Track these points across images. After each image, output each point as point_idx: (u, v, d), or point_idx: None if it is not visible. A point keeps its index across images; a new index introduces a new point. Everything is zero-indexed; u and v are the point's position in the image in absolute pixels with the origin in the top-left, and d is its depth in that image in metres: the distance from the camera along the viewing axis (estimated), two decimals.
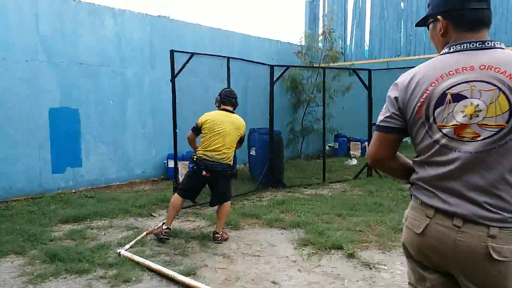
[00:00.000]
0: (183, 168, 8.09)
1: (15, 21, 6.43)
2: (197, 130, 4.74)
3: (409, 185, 1.78)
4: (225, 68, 6.56)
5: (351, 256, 4.20)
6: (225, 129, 4.61)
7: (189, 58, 5.84)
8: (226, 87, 6.52)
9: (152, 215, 5.76)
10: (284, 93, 10.97)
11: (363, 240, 4.67)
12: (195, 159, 4.66)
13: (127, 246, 4.37)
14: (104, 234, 4.90)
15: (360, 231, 5.04)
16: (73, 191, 7.16)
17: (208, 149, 4.60)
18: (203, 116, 4.72)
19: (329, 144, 12.57)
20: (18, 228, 4.90)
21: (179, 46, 8.58)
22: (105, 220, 5.49)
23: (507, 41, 8.64)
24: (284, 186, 7.67)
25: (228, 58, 6.43)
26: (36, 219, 5.32)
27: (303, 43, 10.91)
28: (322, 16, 11.58)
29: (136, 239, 4.61)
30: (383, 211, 5.91)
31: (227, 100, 4.78)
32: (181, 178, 7.99)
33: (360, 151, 12.04)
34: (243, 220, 5.50)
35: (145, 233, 4.81)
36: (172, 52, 5.62)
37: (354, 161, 10.79)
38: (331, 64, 10.35)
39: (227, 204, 4.80)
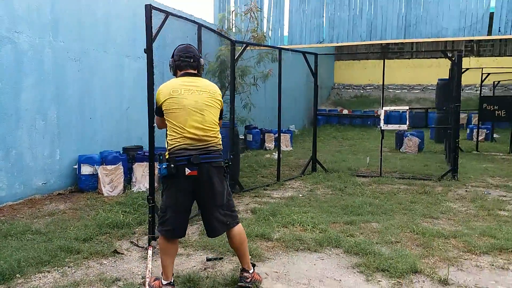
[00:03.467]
0: (104, 175, 6.05)
1: None
2: (160, 112, 3.06)
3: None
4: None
5: (445, 283, 3.35)
6: (199, 99, 3.00)
7: (164, 20, 4.04)
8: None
9: (117, 253, 3.86)
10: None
11: (421, 255, 3.89)
12: (167, 157, 2.97)
13: None
14: None
15: (398, 242, 4.25)
16: None
17: (185, 134, 2.92)
18: (159, 90, 3.07)
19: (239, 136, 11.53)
20: None
21: (88, 8, 6.41)
22: (50, 271, 3.39)
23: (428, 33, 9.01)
24: (242, 188, 6.39)
25: (200, 25, 4.79)
26: None
27: (220, 22, 9.55)
28: None
29: None
30: (385, 213, 5.26)
31: (184, 63, 3.12)
32: (103, 189, 6.03)
33: (273, 143, 11.37)
34: (254, 243, 4.11)
35: None
36: (149, 7, 3.75)
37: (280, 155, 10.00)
38: (283, 46, 9.33)
39: (240, 227, 3.16)
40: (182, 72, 3.12)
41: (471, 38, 8.88)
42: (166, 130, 3.05)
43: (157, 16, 4.17)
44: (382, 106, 7.59)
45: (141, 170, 6.21)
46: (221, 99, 3.19)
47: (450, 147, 7.85)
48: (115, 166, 6.08)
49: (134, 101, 7.40)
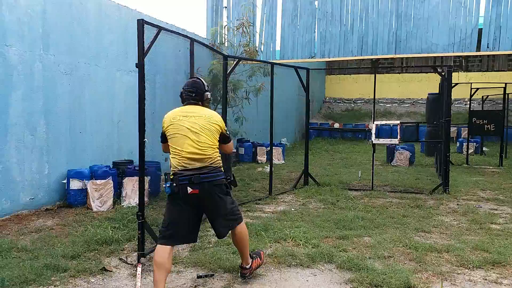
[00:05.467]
0: (94, 190, 5.96)
1: None
2: (164, 138, 3.42)
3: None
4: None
5: None
6: (195, 123, 3.29)
7: (157, 34, 4.03)
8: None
9: (106, 270, 3.77)
10: None
11: (414, 270, 3.85)
12: (171, 177, 3.24)
13: None
14: None
15: (391, 256, 4.22)
16: None
17: (183, 154, 3.22)
18: (164, 118, 3.43)
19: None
20: None
21: (79, 22, 6.40)
22: None
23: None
24: None
25: (192, 40, 4.79)
26: None
27: (213, 36, 9.60)
28: (226, 7, 10.43)
29: None
30: (378, 227, 5.23)
31: (186, 96, 3.46)
32: (92, 204, 5.94)
33: (266, 157, 11.33)
34: None
35: None
36: (141, 22, 3.75)
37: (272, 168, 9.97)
38: (275, 61, 9.38)
39: (241, 227, 3.46)
40: (185, 103, 3.45)
41: (461, 54, 9.00)
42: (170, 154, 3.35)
43: (149, 30, 4.17)
44: (373, 121, 7.62)
45: (131, 185, 6.14)
46: (220, 122, 3.40)
47: (441, 160, 7.89)
48: (105, 181, 6.00)
49: (125, 115, 7.35)
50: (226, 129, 3.49)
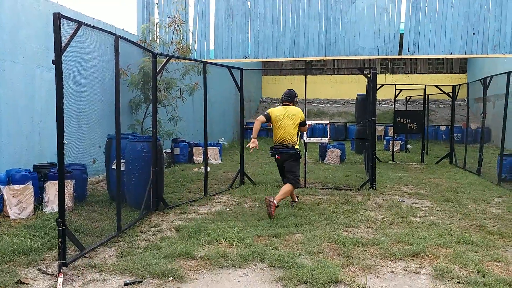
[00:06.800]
0: (11, 196, 5.52)
1: None
2: (267, 117, 6.05)
3: None
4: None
5: None
6: (284, 122, 6.00)
7: (76, 30, 3.77)
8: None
9: (22, 283, 3.47)
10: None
11: (342, 265, 3.99)
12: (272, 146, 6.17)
13: None
14: None
15: (320, 252, 4.34)
16: None
17: (277, 139, 6.05)
18: (272, 110, 6.13)
19: (165, 150, 11.20)
20: None
21: None
22: None
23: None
24: (167, 205, 6.17)
25: (117, 36, 4.55)
26: None
27: (143, 33, 9.27)
28: (157, 4, 10.12)
29: None
30: (309, 224, 5.37)
31: (283, 99, 6.21)
32: (10, 211, 5.50)
33: (202, 157, 11.18)
34: (177, 263, 3.95)
35: None
36: (57, 16, 3.48)
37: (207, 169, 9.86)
38: (208, 60, 9.19)
39: (290, 186, 5.96)
40: (283, 103, 6.19)
41: (384, 57, 9.52)
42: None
43: (70, 25, 3.91)
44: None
45: (54, 190, 5.73)
46: (300, 116, 6.06)
47: (369, 158, 8.29)
48: (24, 185, 5.56)
49: (47, 115, 6.86)
50: (304, 118, 6.11)
